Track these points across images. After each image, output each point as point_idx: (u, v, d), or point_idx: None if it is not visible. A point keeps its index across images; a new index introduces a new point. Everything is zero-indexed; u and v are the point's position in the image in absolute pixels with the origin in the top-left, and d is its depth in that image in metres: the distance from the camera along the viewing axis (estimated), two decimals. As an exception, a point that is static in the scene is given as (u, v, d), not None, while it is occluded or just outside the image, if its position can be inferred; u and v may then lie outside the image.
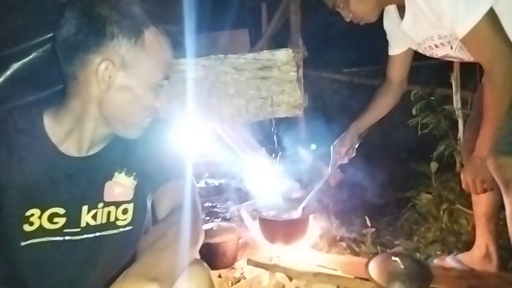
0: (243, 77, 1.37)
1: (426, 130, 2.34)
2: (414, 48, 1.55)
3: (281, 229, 1.72)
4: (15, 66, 1.21)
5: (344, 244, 2.03)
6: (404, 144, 3.06)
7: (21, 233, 0.89)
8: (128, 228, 0.97)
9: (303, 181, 2.33)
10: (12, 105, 1.18)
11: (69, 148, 0.94)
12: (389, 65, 1.67)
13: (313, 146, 2.93)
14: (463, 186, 1.42)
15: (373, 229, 2.18)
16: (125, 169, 0.98)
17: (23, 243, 0.89)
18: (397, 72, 1.65)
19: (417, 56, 1.64)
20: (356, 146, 1.68)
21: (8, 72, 1.21)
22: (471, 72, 2.18)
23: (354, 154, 1.70)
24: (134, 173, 0.98)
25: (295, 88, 1.36)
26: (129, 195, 0.98)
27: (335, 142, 1.69)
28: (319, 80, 4.61)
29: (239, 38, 4.33)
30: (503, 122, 1.27)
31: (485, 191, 1.38)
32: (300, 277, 1.63)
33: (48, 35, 1.24)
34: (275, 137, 1.74)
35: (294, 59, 1.37)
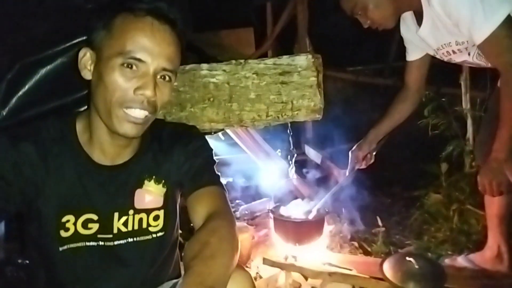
0: (264, 82, 1.39)
1: (437, 131, 2.36)
2: (432, 54, 1.57)
3: (297, 229, 1.75)
4: (41, 71, 1.23)
5: (356, 243, 2.06)
6: (413, 144, 3.08)
7: (58, 238, 0.92)
8: (160, 234, 1.00)
9: (313, 182, 2.35)
10: (44, 113, 1.21)
11: (100, 157, 0.96)
12: (407, 71, 1.69)
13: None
14: (480, 188, 1.45)
15: (383, 229, 2.22)
16: (154, 177, 1.00)
17: (60, 248, 0.92)
18: (414, 78, 1.68)
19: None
20: (375, 152, 1.71)
21: (35, 78, 1.23)
22: (480, 72, 2.21)
23: (372, 160, 1.73)
24: (163, 181, 1.01)
25: (315, 93, 1.38)
26: (159, 202, 1.01)
27: (354, 147, 1.73)
28: (323, 78, 4.62)
29: (244, 36, 4.33)
30: None
31: (501, 193, 1.41)
32: (316, 276, 1.67)
33: (74, 41, 1.27)
34: (290, 140, 1.77)
35: (314, 64, 1.38)
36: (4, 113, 1.19)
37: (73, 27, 1.28)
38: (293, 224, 1.76)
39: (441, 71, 1.71)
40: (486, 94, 2.42)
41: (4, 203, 0.88)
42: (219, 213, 0.93)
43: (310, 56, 1.40)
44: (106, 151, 0.96)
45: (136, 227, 0.98)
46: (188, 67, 1.42)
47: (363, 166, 1.74)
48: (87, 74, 0.92)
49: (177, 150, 1.03)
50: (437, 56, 1.56)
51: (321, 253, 1.85)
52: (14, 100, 1.20)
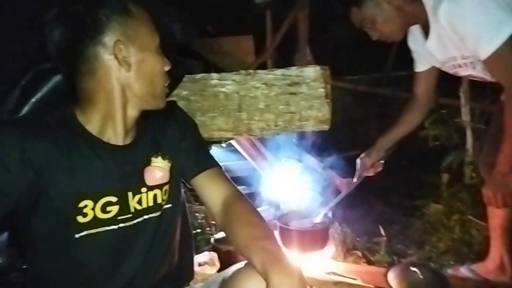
0: (273, 92, 1.40)
1: (437, 142, 2.40)
2: (438, 66, 1.60)
3: (302, 238, 1.76)
4: (55, 79, 1.24)
5: (359, 253, 2.07)
6: (412, 154, 3.12)
7: (74, 225, 0.90)
8: (168, 205, 1.03)
9: (316, 191, 2.36)
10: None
11: (109, 139, 0.96)
12: (415, 82, 1.72)
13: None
14: (485, 200, 1.47)
15: (385, 238, 2.23)
16: (159, 153, 1.02)
17: (77, 235, 0.91)
18: (422, 89, 1.70)
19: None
20: (383, 160, 1.73)
21: (48, 85, 1.24)
22: (480, 84, 2.24)
23: (381, 168, 1.75)
24: (167, 156, 1.03)
25: (323, 104, 1.40)
26: (167, 177, 1.03)
27: (362, 154, 1.75)
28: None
29: (244, 44, 4.36)
30: None
31: (505, 205, 1.43)
32: (321, 286, 1.68)
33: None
34: (296, 148, 1.78)
35: (322, 76, 1.40)
36: (17, 119, 1.20)
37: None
38: (299, 233, 1.77)
39: (440, 82, 1.74)
40: (485, 106, 2.47)
41: (5, 197, 0.86)
42: (239, 194, 1.04)
43: (318, 68, 1.42)
44: (117, 134, 0.97)
45: (150, 203, 1.00)
46: (198, 76, 1.43)
47: (371, 174, 1.76)
48: (125, 67, 0.92)
49: (170, 126, 1.07)
50: (443, 69, 1.58)
51: (325, 262, 1.86)
52: (27, 106, 1.20)
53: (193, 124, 1.16)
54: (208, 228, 2.23)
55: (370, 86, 4.48)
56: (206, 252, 1.94)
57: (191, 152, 1.07)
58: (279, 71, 1.43)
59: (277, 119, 1.43)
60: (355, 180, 1.76)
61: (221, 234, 1.97)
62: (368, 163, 1.72)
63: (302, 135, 3.42)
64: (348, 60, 4.40)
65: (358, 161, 1.77)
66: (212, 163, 1.08)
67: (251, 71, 1.44)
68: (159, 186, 1.01)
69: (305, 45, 3.58)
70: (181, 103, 1.38)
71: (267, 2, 4.22)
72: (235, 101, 1.43)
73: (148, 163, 1.00)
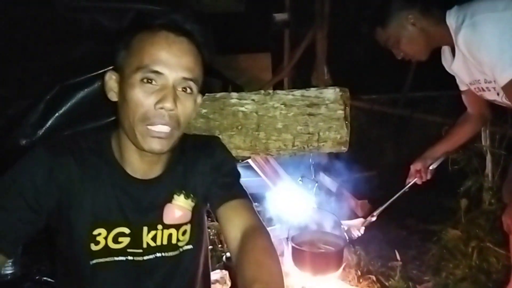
0: (291, 113, 1.41)
1: (456, 166, 2.36)
2: (465, 88, 1.60)
3: (316, 260, 1.73)
4: (79, 94, 1.27)
5: (373, 277, 2.03)
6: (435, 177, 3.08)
7: (88, 252, 0.91)
8: (188, 247, 1.00)
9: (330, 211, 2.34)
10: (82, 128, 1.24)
11: (132, 170, 0.97)
12: (464, 98, 1.72)
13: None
14: (505, 227, 1.43)
15: (400, 263, 2.18)
16: (183, 191, 1.00)
17: (91, 262, 0.92)
18: (472, 105, 1.71)
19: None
20: (432, 168, 1.76)
21: (72, 100, 1.27)
22: (500, 109, 2.21)
23: (429, 177, 1.75)
24: (192, 195, 1.01)
25: (342, 126, 1.40)
26: (188, 217, 1.00)
27: (416, 160, 1.78)
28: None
29: (262, 61, 4.41)
30: None
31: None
32: (334, 310, 1.64)
33: (111, 67, 1.31)
34: (312, 169, 1.78)
35: (341, 97, 1.41)
36: (41, 133, 1.22)
37: (110, 53, 1.32)
38: (312, 255, 1.74)
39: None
40: (506, 130, 2.42)
41: (34, 215, 0.88)
42: (258, 228, 0.94)
43: (338, 90, 1.42)
44: (137, 167, 0.96)
45: (165, 242, 0.98)
46: (218, 95, 1.44)
47: (418, 181, 1.77)
48: (113, 96, 0.94)
49: (202, 161, 1.04)
50: (472, 89, 1.58)
51: (339, 286, 1.83)
52: (51, 120, 1.23)
53: (227, 159, 1.09)
54: (219, 246, 2.22)
55: (386, 106, 4.45)
56: (218, 270, 1.93)
57: (218, 182, 1.03)
58: (298, 92, 1.44)
59: (295, 139, 1.43)
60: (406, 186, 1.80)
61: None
62: (413, 170, 1.73)
63: (317, 155, 3.41)
64: (365, 79, 4.40)
65: (411, 167, 1.79)
66: (237, 194, 1.01)
67: (270, 91, 1.45)
68: (177, 226, 0.99)
69: (323, 63, 3.59)
70: (200, 121, 1.41)
71: (286, 21, 4.27)
72: (254, 120, 1.43)
73: (169, 200, 0.99)
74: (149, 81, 0.87)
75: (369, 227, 2.61)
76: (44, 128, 1.23)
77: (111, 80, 0.94)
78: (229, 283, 1.88)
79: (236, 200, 0.99)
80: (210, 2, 3.60)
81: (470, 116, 1.73)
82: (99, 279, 0.93)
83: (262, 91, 1.45)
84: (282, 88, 3.68)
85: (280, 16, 4.35)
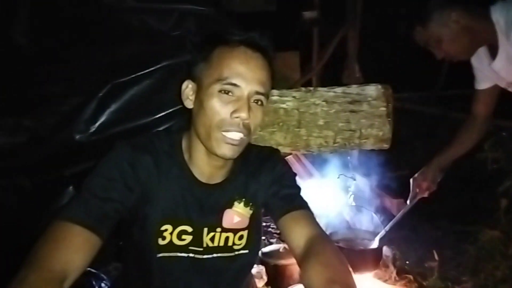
0: (333, 110, 1.42)
1: (495, 166, 2.30)
2: (503, 86, 1.55)
3: (353, 259, 1.72)
4: (130, 92, 1.32)
5: (411, 276, 2.00)
6: (466, 176, 3.00)
7: (156, 245, 0.97)
8: (244, 251, 1.05)
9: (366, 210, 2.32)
10: (128, 131, 1.29)
11: (199, 174, 1.02)
12: (475, 100, 1.68)
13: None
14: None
15: (437, 263, 2.15)
16: (243, 199, 1.05)
17: (157, 255, 0.97)
18: (482, 107, 1.66)
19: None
20: (438, 180, 1.68)
21: (123, 98, 1.32)
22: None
23: (435, 188, 1.70)
24: (251, 203, 1.06)
25: (384, 123, 1.40)
26: (245, 223, 1.05)
27: (416, 175, 1.71)
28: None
29: (290, 59, 4.40)
30: None
31: None
32: (372, 308, 1.64)
33: (158, 65, 1.36)
34: (350, 166, 1.78)
35: (384, 94, 1.41)
36: (93, 129, 1.28)
37: (157, 52, 1.37)
38: (350, 253, 1.74)
39: (499, 104, 1.69)
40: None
41: (122, 206, 0.93)
42: (322, 236, 0.99)
43: (380, 87, 1.42)
44: (203, 170, 1.02)
45: (221, 243, 1.02)
46: (260, 92, 1.47)
47: (425, 195, 1.72)
48: (189, 104, 0.99)
49: (264, 172, 1.08)
50: (509, 89, 1.54)
51: (375, 284, 1.82)
52: (103, 117, 1.29)
53: (288, 172, 1.14)
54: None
55: (418, 105, 4.37)
56: (254, 265, 1.95)
57: (279, 195, 1.07)
58: (339, 89, 1.45)
59: (336, 136, 1.44)
60: (408, 202, 1.71)
61: (269, 248, 1.98)
62: (424, 185, 1.68)
63: (348, 154, 3.38)
64: (396, 77, 4.32)
65: (411, 181, 1.73)
66: (299, 205, 1.06)
67: (311, 88, 1.47)
68: (234, 230, 1.04)
69: (354, 62, 3.56)
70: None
71: (315, 19, 4.25)
72: (295, 117, 1.45)
73: (230, 205, 1.04)
74: (226, 92, 0.93)
75: (402, 228, 2.59)
76: (96, 124, 1.29)
77: (188, 89, 0.99)
78: (265, 278, 1.91)
79: (297, 211, 1.04)
80: (241, 1, 3.63)
81: (475, 122, 1.68)
82: (164, 272, 0.99)
83: (303, 88, 1.47)
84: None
85: (309, 14, 4.33)
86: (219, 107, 0.93)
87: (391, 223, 1.76)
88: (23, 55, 1.33)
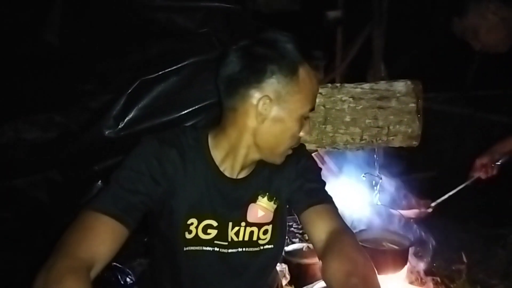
0: (360, 106, 1.40)
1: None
2: None
3: (379, 258, 1.69)
4: (157, 89, 1.34)
5: (438, 279, 1.96)
6: (499, 177, 2.92)
7: (182, 239, 0.98)
8: (268, 246, 1.05)
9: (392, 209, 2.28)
10: (155, 128, 1.31)
11: (226, 170, 1.02)
12: None
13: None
14: None
15: (465, 265, 2.09)
16: (267, 193, 1.05)
17: (184, 249, 0.98)
18: None
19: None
20: (498, 163, 1.70)
21: (151, 94, 1.34)
22: None
23: (494, 172, 1.71)
24: (275, 198, 1.06)
25: (414, 119, 1.37)
26: (270, 217, 1.05)
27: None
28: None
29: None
30: None
31: None
32: (399, 310, 1.60)
33: (184, 63, 1.37)
34: (376, 165, 1.75)
35: (413, 90, 1.38)
36: (122, 125, 1.31)
37: (184, 50, 1.39)
38: (376, 252, 1.71)
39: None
40: None
41: (149, 199, 0.95)
42: (344, 229, 1.01)
43: (409, 82, 1.40)
44: (235, 168, 1.02)
45: (246, 238, 1.03)
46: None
47: (483, 176, 1.74)
48: (261, 119, 0.95)
49: (288, 166, 1.08)
50: None
51: (402, 285, 1.78)
52: (131, 113, 1.31)
53: (312, 166, 1.15)
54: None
55: (446, 105, 4.26)
56: (278, 264, 1.94)
57: (303, 189, 1.08)
58: (367, 85, 1.43)
59: (363, 133, 1.42)
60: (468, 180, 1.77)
61: (292, 247, 1.97)
62: (478, 163, 1.69)
63: (374, 153, 3.33)
64: (423, 76, 4.23)
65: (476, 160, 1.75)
66: (322, 199, 1.06)
67: (338, 84, 1.45)
68: (258, 225, 1.04)
69: (379, 61, 3.50)
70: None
71: (339, 18, 4.21)
72: (321, 113, 1.44)
73: (254, 200, 1.05)
74: (306, 118, 0.99)
75: (429, 230, 2.53)
76: (125, 120, 1.31)
77: (266, 105, 0.94)
78: (288, 276, 1.90)
79: (321, 205, 1.04)
80: (265, 1, 3.63)
81: None
82: (190, 266, 1.00)
83: (329, 84, 1.46)
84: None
85: (333, 14, 4.29)
86: (298, 131, 0.98)
87: (445, 196, 1.86)
88: (56, 54, 1.36)
